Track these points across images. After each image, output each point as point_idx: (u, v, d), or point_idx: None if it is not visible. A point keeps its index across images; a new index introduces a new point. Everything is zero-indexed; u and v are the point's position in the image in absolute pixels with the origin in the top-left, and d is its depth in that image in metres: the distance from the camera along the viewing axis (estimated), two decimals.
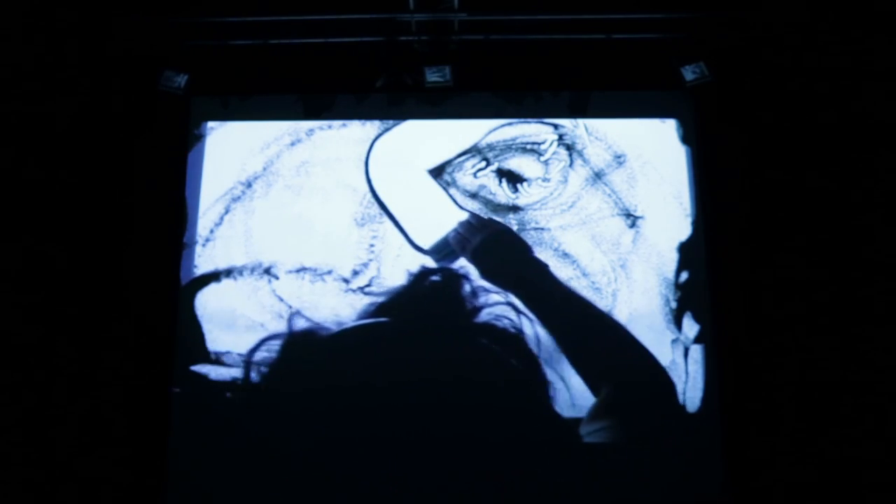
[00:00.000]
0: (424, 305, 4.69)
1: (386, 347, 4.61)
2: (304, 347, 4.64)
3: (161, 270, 4.72)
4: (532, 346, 4.60)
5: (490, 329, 4.61)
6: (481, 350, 4.57)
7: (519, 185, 4.93)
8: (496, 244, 4.76)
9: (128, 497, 4.39)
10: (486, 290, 4.67)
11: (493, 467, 4.40)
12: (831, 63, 4.66)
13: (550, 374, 4.57)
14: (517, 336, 4.60)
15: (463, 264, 4.73)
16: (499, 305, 4.64)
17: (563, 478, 4.44)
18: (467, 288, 4.67)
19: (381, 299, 4.70)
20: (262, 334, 4.68)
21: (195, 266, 4.81)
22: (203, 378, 4.65)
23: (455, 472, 4.41)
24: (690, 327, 4.72)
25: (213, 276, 4.81)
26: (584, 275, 4.80)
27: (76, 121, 4.74)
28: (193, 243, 4.84)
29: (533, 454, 4.44)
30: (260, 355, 4.62)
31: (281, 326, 4.69)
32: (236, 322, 4.73)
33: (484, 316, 4.62)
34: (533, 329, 4.62)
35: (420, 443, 4.46)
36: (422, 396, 4.52)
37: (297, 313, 4.66)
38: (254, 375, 4.60)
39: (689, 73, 4.84)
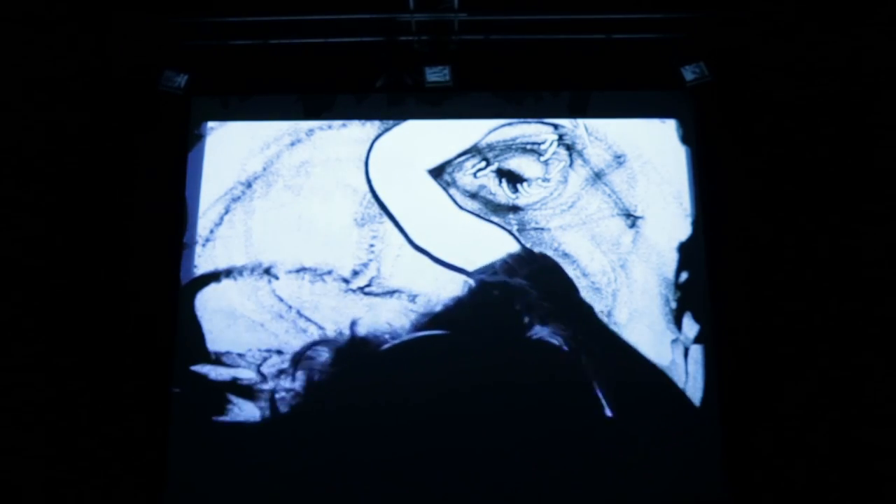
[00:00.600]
0: (482, 318, 4.69)
1: (444, 359, 4.62)
2: (357, 356, 4.65)
3: (161, 270, 4.72)
4: (585, 363, 4.62)
5: (545, 345, 4.63)
6: (535, 364, 4.59)
7: (519, 185, 4.93)
8: (542, 279, 4.75)
9: (128, 497, 4.39)
10: (542, 307, 4.69)
11: (519, 466, 4.46)
12: (831, 63, 4.65)
13: (599, 392, 4.60)
14: (571, 353, 4.62)
15: (521, 279, 4.74)
16: (555, 323, 4.66)
17: (558, 479, 4.46)
18: (524, 303, 4.69)
19: (437, 309, 4.70)
20: (263, 334, 4.70)
21: (195, 266, 4.81)
22: (203, 378, 4.65)
23: (477, 474, 4.47)
24: (690, 327, 4.72)
25: (213, 276, 4.81)
26: (584, 275, 4.80)
27: (76, 121, 4.73)
28: (193, 243, 4.84)
29: (576, 459, 4.49)
30: (308, 360, 4.64)
31: (287, 327, 4.70)
32: (236, 322, 4.73)
33: (539, 331, 4.65)
34: (586, 347, 4.65)
35: (468, 449, 4.49)
36: (474, 407, 4.52)
37: (356, 322, 4.67)
38: (299, 380, 4.62)
39: (689, 73, 4.85)
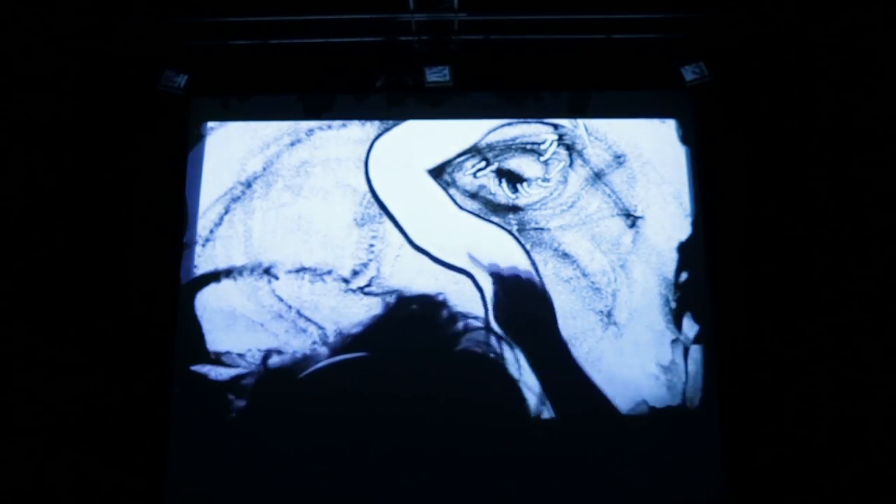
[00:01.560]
0: (403, 335, 4.68)
1: (366, 382, 4.59)
2: (277, 385, 4.62)
3: (161, 270, 4.72)
4: (512, 370, 4.63)
5: (469, 355, 4.63)
6: (461, 376, 4.59)
7: (519, 186, 4.93)
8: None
9: (128, 497, 4.39)
10: (464, 316, 4.68)
11: (488, 481, 4.46)
12: (830, 63, 4.65)
13: (528, 395, 4.60)
14: (496, 360, 4.63)
15: (441, 290, 4.73)
16: (477, 331, 4.66)
17: (559, 480, 4.46)
18: (445, 314, 4.69)
19: (357, 330, 4.69)
20: (263, 334, 4.70)
21: (195, 266, 4.81)
22: (203, 378, 4.65)
23: (444, 490, 4.47)
24: (690, 327, 4.72)
25: (213, 276, 4.81)
26: (584, 275, 4.80)
27: (77, 121, 4.73)
28: (193, 243, 4.84)
29: (525, 466, 4.49)
30: (305, 364, 4.65)
31: (287, 327, 4.71)
32: (236, 322, 4.73)
33: (464, 342, 4.65)
34: (513, 353, 4.64)
35: (468, 454, 4.49)
36: (404, 427, 4.52)
37: (273, 351, 4.65)
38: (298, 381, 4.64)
39: (689, 73, 4.84)
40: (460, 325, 4.66)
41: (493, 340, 4.67)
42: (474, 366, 4.61)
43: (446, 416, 4.52)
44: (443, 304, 4.71)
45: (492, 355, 4.64)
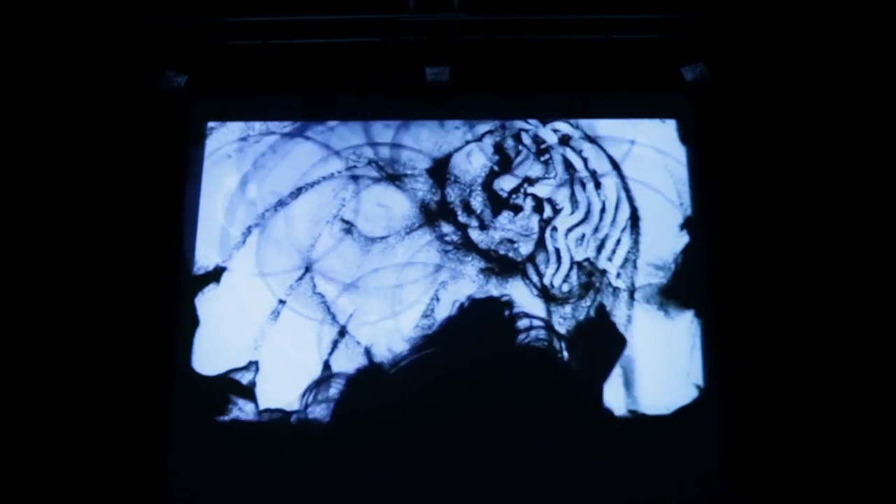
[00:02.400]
0: (470, 332, 4.72)
1: (437, 375, 4.66)
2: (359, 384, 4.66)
3: (161, 270, 4.72)
4: (569, 361, 4.66)
5: (530, 350, 4.68)
6: (522, 369, 4.66)
7: (519, 187, 4.93)
8: None
9: (128, 497, 4.39)
10: (526, 315, 4.72)
11: (481, 477, 4.47)
12: (831, 63, 4.66)
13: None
14: (554, 354, 4.67)
15: (505, 292, 4.75)
16: (537, 329, 4.71)
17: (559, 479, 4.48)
18: (507, 313, 4.73)
19: (430, 331, 4.70)
20: (262, 334, 4.70)
21: (195, 266, 4.81)
22: (203, 378, 4.65)
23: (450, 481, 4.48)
24: (691, 325, 4.72)
25: (214, 276, 4.81)
26: (585, 275, 4.80)
27: (77, 121, 4.73)
28: (193, 243, 4.83)
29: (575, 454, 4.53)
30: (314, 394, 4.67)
31: (287, 327, 4.72)
32: (236, 322, 4.73)
33: (523, 337, 4.70)
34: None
35: (466, 456, 4.50)
36: (471, 416, 4.53)
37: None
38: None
39: (689, 73, 4.83)
40: (522, 322, 4.72)
41: (551, 335, 4.70)
42: (533, 358, 4.70)
43: (480, 412, 4.55)
44: (507, 304, 4.74)
45: (549, 348, 4.68)
